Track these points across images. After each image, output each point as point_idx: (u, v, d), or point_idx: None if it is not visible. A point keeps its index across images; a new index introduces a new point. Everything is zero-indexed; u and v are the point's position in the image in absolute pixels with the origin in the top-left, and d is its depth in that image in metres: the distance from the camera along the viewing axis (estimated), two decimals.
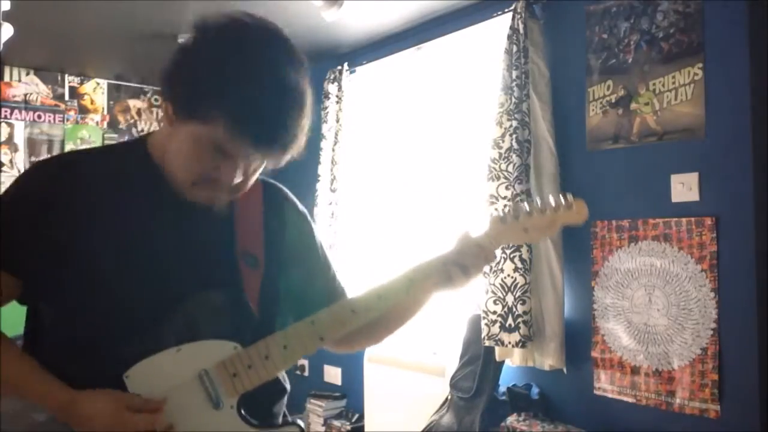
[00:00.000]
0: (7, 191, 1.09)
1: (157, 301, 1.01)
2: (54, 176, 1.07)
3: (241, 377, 1.01)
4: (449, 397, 2.79)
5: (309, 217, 1.29)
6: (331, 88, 3.65)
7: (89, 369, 0.99)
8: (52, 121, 4.20)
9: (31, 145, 4.13)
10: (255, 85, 0.95)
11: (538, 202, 1.19)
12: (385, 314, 1.18)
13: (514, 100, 2.59)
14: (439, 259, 1.15)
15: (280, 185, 1.28)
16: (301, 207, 1.28)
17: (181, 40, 3.27)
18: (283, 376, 1.19)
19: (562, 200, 1.18)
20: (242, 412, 1.03)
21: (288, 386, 1.20)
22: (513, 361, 2.65)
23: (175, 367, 1.00)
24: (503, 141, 2.61)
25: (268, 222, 1.18)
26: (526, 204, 1.18)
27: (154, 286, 1.02)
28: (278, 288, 1.15)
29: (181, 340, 1.01)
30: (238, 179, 1.02)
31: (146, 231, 1.06)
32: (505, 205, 2.58)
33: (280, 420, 1.17)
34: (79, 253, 1.02)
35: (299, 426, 1.09)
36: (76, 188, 1.05)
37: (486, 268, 1.22)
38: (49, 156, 1.17)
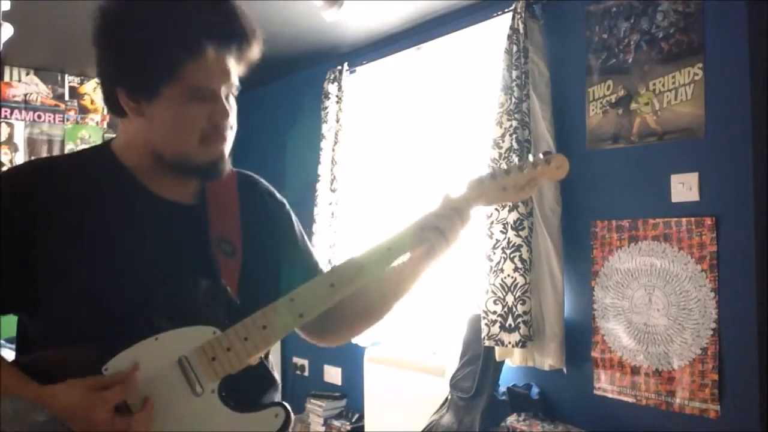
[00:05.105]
0: None
1: (134, 295, 1.00)
2: (27, 186, 1.03)
3: (220, 360, 0.99)
4: (449, 397, 2.79)
5: (287, 206, 1.28)
6: (331, 88, 3.64)
7: (72, 368, 0.97)
8: (52, 121, 4.20)
9: (31, 145, 4.13)
10: (182, 9, 0.98)
11: (517, 162, 1.15)
12: (373, 294, 1.17)
13: (514, 100, 2.59)
14: (415, 225, 1.13)
15: (255, 175, 1.27)
16: (278, 196, 1.27)
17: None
18: (271, 366, 1.17)
19: (541, 156, 1.16)
20: (224, 395, 1.01)
21: (277, 377, 1.17)
22: (513, 361, 2.65)
23: (154, 356, 0.98)
24: (503, 141, 2.61)
25: (244, 210, 1.17)
26: (504, 164, 1.16)
27: (130, 281, 1.01)
28: (260, 275, 1.12)
29: (160, 330, 1.00)
30: (231, 112, 1.05)
31: (121, 231, 1.05)
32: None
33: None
34: (54, 262, 1.00)
35: (283, 405, 1.04)
36: (50, 198, 1.02)
37: (463, 232, 1.16)
38: (20, 164, 1.14)
